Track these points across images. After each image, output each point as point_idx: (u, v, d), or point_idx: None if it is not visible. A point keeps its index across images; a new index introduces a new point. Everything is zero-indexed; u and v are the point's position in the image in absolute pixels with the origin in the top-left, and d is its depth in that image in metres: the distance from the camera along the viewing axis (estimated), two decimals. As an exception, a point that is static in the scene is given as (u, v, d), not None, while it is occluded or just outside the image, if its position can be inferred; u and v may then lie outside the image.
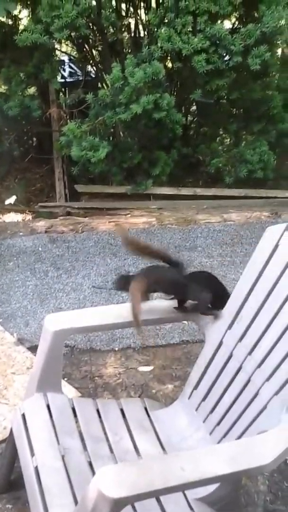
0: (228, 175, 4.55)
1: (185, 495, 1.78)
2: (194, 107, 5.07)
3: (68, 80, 5.09)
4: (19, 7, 4.51)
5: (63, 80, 4.93)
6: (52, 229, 4.26)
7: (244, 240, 4.13)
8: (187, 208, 4.53)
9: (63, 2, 3.74)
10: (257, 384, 1.87)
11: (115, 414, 2.08)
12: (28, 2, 4.66)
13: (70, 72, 5.19)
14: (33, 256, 3.96)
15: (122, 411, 2.10)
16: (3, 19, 4.47)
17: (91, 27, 4.17)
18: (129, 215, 4.42)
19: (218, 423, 1.99)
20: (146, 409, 2.13)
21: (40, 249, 4.03)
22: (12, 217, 4.67)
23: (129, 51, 4.45)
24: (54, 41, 3.97)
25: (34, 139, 5.37)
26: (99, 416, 2.05)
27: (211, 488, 1.72)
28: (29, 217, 4.67)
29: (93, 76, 4.89)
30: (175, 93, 4.80)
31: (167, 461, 1.63)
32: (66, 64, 5.20)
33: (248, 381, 1.91)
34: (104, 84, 4.76)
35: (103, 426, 2.02)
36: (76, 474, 1.80)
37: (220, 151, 4.67)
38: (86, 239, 4.12)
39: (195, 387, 2.10)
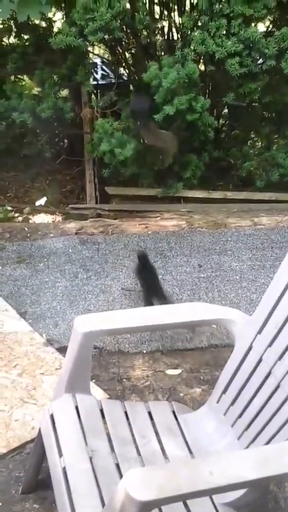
0: (259, 179, 4.53)
1: (211, 499, 1.77)
2: (225, 110, 5.05)
3: (100, 82, 5.11)
4: (53, 9, 4.54)
5: (95, 83, 4.95)
6: (82, 231, 4.28)
7: (274, 244, 4.10)
8: (217, 211, 4.51)
9: (98, 5, 3.75)
10: (286, 389, 1.86)
11: (143, 416, 2.08)
12: (63, 5, 4.70)
13: (102, 74, 5.22)
14: (63, 257, 3.98)
15: (150, 414, 2.10)
16: (37, 22, 4.51)
17: (125, 30, 4.18)
18: (159, 218, 4.42)
19: (247, 428, 1.97)
20: (174, 412, 2.12)
21: (70, 250, 4.05)
22: (42, 218, 4.70)
23: (163, 53, 4.45)
24: (87, 43, 3.99)
25: (66, 140, 5.40)
26: (127, 419, 2.05)
27: (239, 493, 1.71)
28: (59, 218, 4.69)
29: (126, 78, 4.91)
30: (207, 96, 4.80)
31: (195, 465, 1.62)
32: (98, 66, 5.23)
33: (278, 386, 1.89)
34: (135, 87, 4.78)
35: (131, 428, 2.03)
36: (103, 476, 1.80)
37: (251, 154, 4.65)
38: (116, 241, 4.13)
39: (224, 392, 2.09)
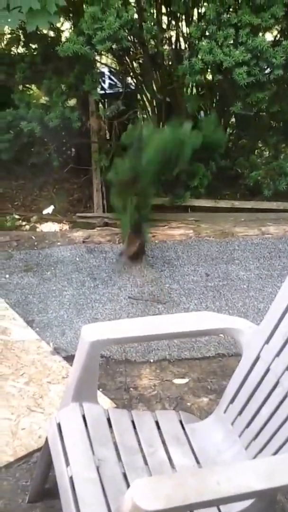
0: (267, 188, 4.53)
1: (219, 509, 1.76)
2: (233, 119, 5.05)
3: (108, 91, 5.13)
4: (61, 19, 4.57)
5: (103, 92, 4.97)
6: (90, 240, 4.28)
7: (282, 253, 4.10)
8: (224, 220, 4.51)
9: (106, 14, 3.77)
10: (294, 399, 1.85)
11: (150, 426, 2.08)
12: (71, 15, 4.72)
13: (110, 83, 5.23)
14: (70, 266, 3.98)
15: (157, 423, 2.09)
16: (46, 31, 4.53)
17: (133, 39, 4.20)
18: (167, 227, 4.42)
19: (254, 438, 1.96)
20: (181, 421, 2.11)
21: (77, 259, 4.06)
22: (49, 227, 4.72)
23: (170, 63, 4.47)
24: (95, 52, 4.00)
25: (73, 149, 5.41)
26: (134, 428, 2.05)
27: (246, 503, 1.70)
28: (66, 227, 4.71)
29: (133, 88, 4.92)
30: (214, 105, 4.81)
31: (202, 475, 1.61)
32: (106, 76, 5.25)
33: (286, 396, 1.88)
34: (143, 96, 4.79)
35: (138, 437, 2.02)
36: (110, 485, 1.79)
37: (259, 164, 4.65)
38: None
39: (231, 401, 2.09)
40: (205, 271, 3.93)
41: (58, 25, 4.58)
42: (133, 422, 2.07)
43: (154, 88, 4.71)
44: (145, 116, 4.85)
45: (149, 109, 4.78)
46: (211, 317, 2.28)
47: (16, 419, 2.68)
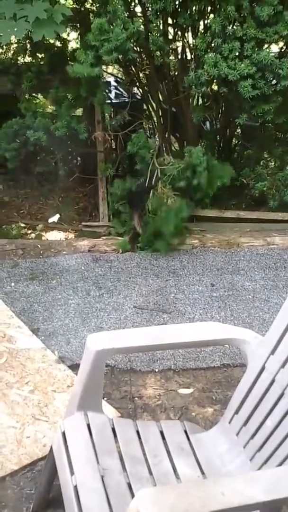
0: (272, 199, 4.53)
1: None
2: (238, 130, 5.06)
3: (114, 101, 5.15)
4: (68, 29, 4.59)
5: (108, 101, 4.98)
6: (95, 249, 4.29)
7: (287, 264, 4.10)
8: (230, 230, 4.52)
9: (113, 26, 3.79)
10: (299, 411, 1.85)
11: (155, 436, 2.08)
12: (77, 25, 4.75)
13: (116, 93, 5.26)
14: (76, 274, 3.99)
15: (161, 433, 2.09)
16: (52, 41, 4.56)
17: (139, 50, 4.22)
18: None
19: (259, 449, 1.97)
20: (186, 432, 2.12)
21: (82, 268, 4.07)
22: (55, 235, 4.73)
23: (176, 73, 4.49)
24: (103, 67, 4.03)
25: (79, 158, 5.43)
26: (139, 438, 2.05)
27: (250, 515, 1.70)
28: (72, 235, 4.72)
29: (139, 98, 4.94)
30: (220, 117, 4.82)
31: (207, 486, 1.62)
32: (112, 85, 5.27)
33: (291, 407, 1.89)
34: (149, 107, 4.81)
35: (143, 447, 2.02)
36: (115, 495, 1.80)
37: (264, 174, 4.66)
38: (128, 259, 4.14)
39: (236, 412, 2.09)
40: (210, 281, 3.94)
41: (65, 35, 4.60)
42: (138, 432, 2.07)
43: (160, 98, 4.72)
44: (150, 126, 4.87)
45: (155, 119, 4.80)
46: (216, 328, 2.28)
47: (21, 427, 2.69)
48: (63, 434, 2.00)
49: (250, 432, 2.02)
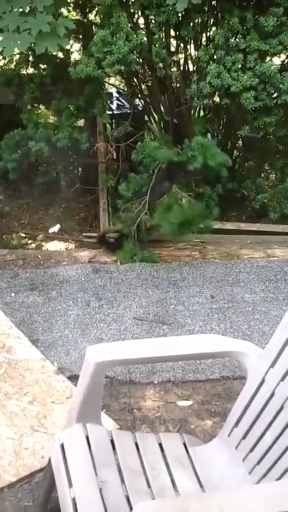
0: (273, 211, 4.54)
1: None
2: (240, 142, 5.08)
3: (115, 112, 5.16)
4: (71, 41, 4.61)
5: (110, 112, 5.00)
6: (95, 259, 4.29)
7: (287, 276, 4.10)
8: (230, 242, 4.52)
9: (116, 38, 3.81)
10: (299, 424, 1.85)
11: (154, 448, 2.07)
12: (80, 36, 4.78)
13: (117, 104, 5.27)
14: (76, 285, 3.99)
15: (160, 445, 2.09)
16: (55, 53, 4.57)
17: (141, 62, 4.24)
18: (172, 248, 4.43)
19: (258, 463, 1.96)
20: (185, 444, 2.11)
21: (82, 278, 4.06)
22: (55, 246, 4.73)
23: (178, 85, 4.50)
24: (104, 74, 4.04)
25: (80, 169, 5.44)
26: (138, 450, 2.04)
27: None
28: (72, 246, 4.72)
29: (141, 109, 4.96)
30: (221, 128, 4.84)
31: (205, 499, 1.61)
32: (114, 97, 5.29)
33: (290, 421, 1.88)
34: (151, 118, 4.83)
35: (141, 460, 2.02)
36: (113, 508, 1.79)
37: (265, 186, 4.67)
38: (128, 270, 4.14)
39: (235, 425, 2.08)
40: (210, 293, 3.93)
41: (67, 46, 4.62)
42: (136, 444, 2.07)
43: (162, 109, 4.74)
44: (152, 137, 4.88)
45: (156, 130, 4.81)
46: (216, 340, 2.28)
47: (19, 438, 2.68)
48: (62, 446, 1.99)
49: (249, 445, 2.01)
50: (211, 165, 4.04)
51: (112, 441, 2.04)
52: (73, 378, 3.05)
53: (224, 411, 2.86)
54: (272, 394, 1.96)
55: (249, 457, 2.00)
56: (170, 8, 3.75)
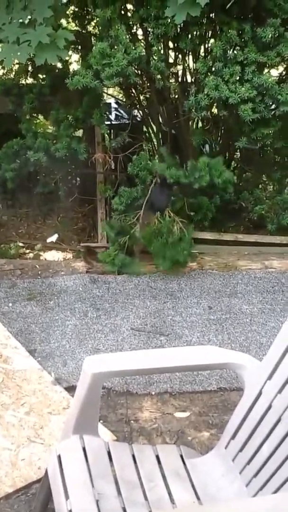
0: (270, 222, 4.55)
1: None
2: (237, 153, 5.09)
3: (114, 122, 5.18)
4: (70, 52, 4.63)
5: (109, 123, 5.02)
6: (93, 270, 4.30)
7: (285, 288, 4.10)
8: (228, 253, 4.53)
9: (114, 50, 3.83)
10: (296, 437, 1.85)
11: (151, 460, 2.07)
12: (79, 47, 4.80)
13: (116, 115, 5.29)
14: (73, 295, 3.99)
15: (157, 457, 2.08)
16: (54, 63, 4.59)
17: (140, 74, 4.26)
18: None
19: (255, 475, 1.96)
20: (182, 456, 2.11)
21: (80, 289, 4.06)
22: (53, 255, 4.74)
23: (176, 96, 4.52)
24: (102, 85, 4.05)
25: (78, 179, 5.45)
26: (135, 462, 2.04)
27: None
28: (70, 255, 4.73)
29: (139, 119, 4.97)
30: (219, 139, 4.85)
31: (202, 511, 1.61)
32: (112, 107, 5.30)
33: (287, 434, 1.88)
34: (149, 129, 4.84)
35: (138, 472, 2.01)
36: (110, 520, 1.78)
37: (263, 198, 4.68)
38: (126, 281, 4.14)
39: (233, 437, 2.08)
40: (208, 304, 3.94)
41: (66, 57, 4.64)
42: (133, 456, 2.06)
43: (160, 120, 4.76)
44: (150, 148, 4.89)
45: (154, 141, 4.83)
46: (213, 352, 2.28)
47: (16, 449, 2.68)
48: (59, 457, 1.99)
49: (246, 457, 2.01)
50: (218, 183, 4.08)
51: (109, 453, 2.03)
52: (70, 389, 3.05)
53: (221, 422, 2.86)
54: (270, 407, 1.96)
55: (246, 470, 2.00)
56: (169, 21, 3.77)
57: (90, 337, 3.59)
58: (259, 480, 1.93)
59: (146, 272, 4.22)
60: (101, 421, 2.81)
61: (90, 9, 4.52)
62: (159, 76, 4.13)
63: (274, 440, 1.92)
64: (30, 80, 4.83)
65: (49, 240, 4.97)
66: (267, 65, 3.94)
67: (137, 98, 4.78)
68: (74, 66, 4.83)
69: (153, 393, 3.15)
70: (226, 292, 4.06)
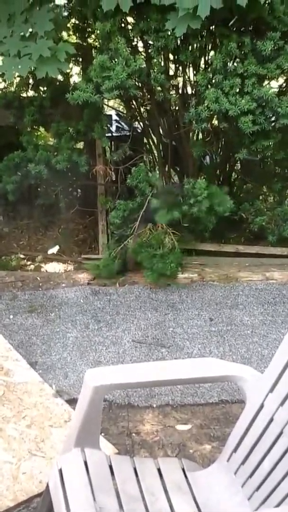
0: (271, 234, 4.55)
1: None
2: (238, 164, 5.10)
3: (114, 134, 5.19)
4: (70, 64, 4.65)
5: (109, 135, 5.03)
6: (94, 281, 4.30)
7: (286, 299, 4.10)
8: (229, 265, 4.53)
9: (114, 62, 3.85)
10: (298, 450, 1.84)
11: (152, 473, 2.06)
12: (80, 59, 4.82)
13: (117, 127, 5.30)
14: (75, 307, 3.99)
15: (159, 470, 2.07)
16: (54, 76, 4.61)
17: (140, 86, 4.27)
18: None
19: (257, 489, 1.95)
20: (183, 469, 2.10)
21: (81, 301, 4.06)
22: (54, 267, 4.74)
23: (177, 108, 4.53)
24: (103, 98, 4.07)
25: (79, 190, 5.46)
26: (136, 475, 2.03)
27: None
28: (71, 267, 4.73)
29: (140, 131, 4.98)
30: (220, 151, 4.86)
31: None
32: (113, 119, 5.32)
33: (289, 447, 1.87)
34: (150, 140, 4.85)
35: (140, 485, 2.00)
36: (111, 534, 1.78)
37: (263, 209, 4.68)
38: (127, 293, 4.14)
39: (234, 450, 2.07)
40: (209, 315, 3.93)
41: (67, 70, 4.66)
42: (135, 469, 2.05)
43: (161, 132, 4.77)
44: (151, 159, 4.90)
45: (155, 152, 4.84)
46: (214, 364, 2.28)
47: (17, 463, 2.67)
48: (60, 471, 1.98)
49: (248, 471, 2.00)
50: (218, 211, 4.10)
51: (110, 466, 2.03)
52: (72, 402, 3.04)
53: (223, 435, 2.85)
54: (271, 420, 1.96)
55: (248, 483, 1.99)
56: (169, 33, 3.79)
57: (91, 349, 3.58)
58: (261, 494, 1.92)
59: (140, 282, 4.24)
60: (102, 434, 2.81)
61: (90, 22, 4.54)
62: (159, 88, 4.15)
63: (276, 454, 1.91)
64: (31, 93, 4.84)
65: (50, 251, 4.98)
66: (267, 78, 3.95)
67: (137, 110, 4.79)
68: (75, 78, 4.85)
69: (154, 405, 3.14)
70: (227, 304, 4.06)
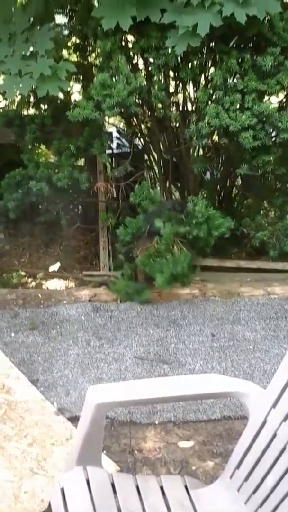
0: (272, 249, 4.55)
1: None
2: (239, 179, 5.11)
3: (115, 151, 5.21)
4: (71, 82, 4.68)
5: (110, 151, 5.05)
6: (96, 298, 4.29)
7: (288, 314, 4.10)
8: (230, 280, 4.52)
9: (115, 80, 3.87)
10: (301, 466, 1.83)
11: (155, 491, 2.04)
12: (80, 77, 4.84)
13: (117, 143, 5.32)
14: (76, 324, 3.98)
15: (162, 488, 2.06)
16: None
17: (141, 103, 4.29)
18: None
19: (261, 505, 1.93)
20: (186, 487, 2.08)
21: (83, 318, 4.06)
22: (55, 284, 4.73)
23: (177, 125, 4.55)
24: (104, 115, 4.09)
25: (80, 207, 5.47)
26: (139, 493, 2.01)
27: None
28: (72, 284, 4.72)
29: (140, 148, 5.00)
30: (220, 166, 4.88)
31: None
32: (113, 136, 5.34)
33: (293, 463, 1.86)
34: (151, 157, 4.87)
35: (142, 503, 1.98)
36: None
37: (264, 224, 4.69)
38: (128, 309, 4.14)
39: (237, 467, 2.06)
40: (211, 331, 3.92)
41: (68, 88, 4.68)
42: (137, 487, 2.04)
43: (161, 148, 4.79)
44: (152, 175, 4.92)
45: (156, 169, 4.85)
46: (216, 380, 2.26)
47: (18, 481, 2.65)
48: (62, 490, 1.97)
49: (251, 487, 1.99)
50: (215, 235, 4.12)
51: (112, 484, 2.01)
52: (74, 419, 3.03)
53: (226, 451, 2.83)
54: (274, 435, 1.95)
55: (252, 499, 1.97)
56: (169, 51, 3.81)
57: (93, 366, 3.57)
58: (264, 510, 1.91)
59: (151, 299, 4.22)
60: (104, 451, 2.79)
61: (91, 41, 4.57)
62: (160, 105, 4.17)
63: (279, 470, 1.90)
64: (32, 111, 4.86)
65: (51, 268, 4.98)
66: (267, 93, 3.97)
67: (138, 127, 4.81)
68: (76, 96, 4.87)
69: (156, 422, 3.13)
70: (229, 319, 4.05)
